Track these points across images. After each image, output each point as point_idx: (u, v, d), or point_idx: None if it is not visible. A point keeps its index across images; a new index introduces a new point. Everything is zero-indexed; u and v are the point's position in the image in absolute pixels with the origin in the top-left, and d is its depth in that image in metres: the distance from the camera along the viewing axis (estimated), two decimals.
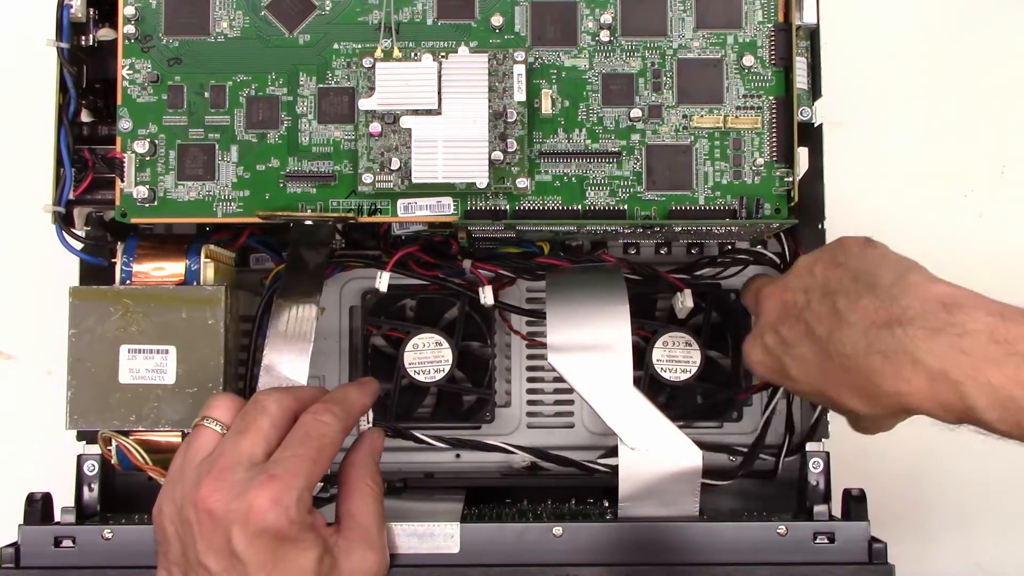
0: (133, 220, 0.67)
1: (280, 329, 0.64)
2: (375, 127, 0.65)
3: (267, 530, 0.54)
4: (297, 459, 0.56)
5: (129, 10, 0.67)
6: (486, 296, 0.71)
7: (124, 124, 0.67)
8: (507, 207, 0.67)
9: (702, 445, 0.64)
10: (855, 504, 0.65)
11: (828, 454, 0.71)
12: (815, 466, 0.70)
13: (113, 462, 0.67)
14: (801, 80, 0.67)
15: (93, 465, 0.70)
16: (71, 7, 0.67)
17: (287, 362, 0.63)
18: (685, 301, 0.72)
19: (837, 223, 0.70)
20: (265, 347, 0.64)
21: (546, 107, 0.67)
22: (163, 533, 0.57)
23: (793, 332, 0.60)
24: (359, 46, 0.67)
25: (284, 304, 0.65)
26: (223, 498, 0.54)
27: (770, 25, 0.68)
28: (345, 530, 0.59)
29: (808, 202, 0.69)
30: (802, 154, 0.67)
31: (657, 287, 0.74)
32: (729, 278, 0.75)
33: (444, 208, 0.66)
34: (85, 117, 0.69)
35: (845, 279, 0.58)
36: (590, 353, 0.64)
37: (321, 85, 0.67)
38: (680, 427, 0.64)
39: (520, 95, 0.65)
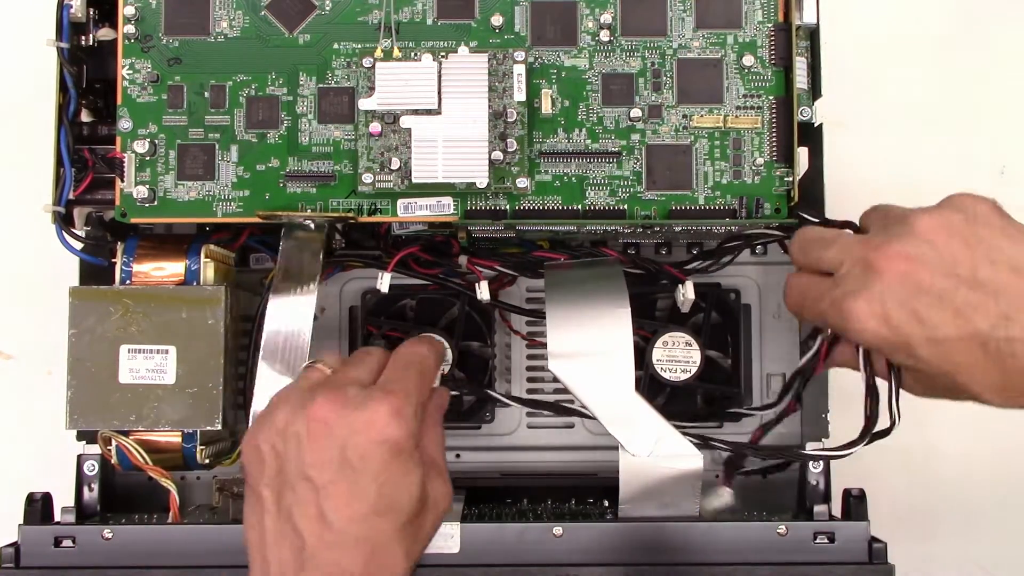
0: (133, 220, 0.67)
1: (275, 327, 0.64)
2: (375, 127, 0.65)
3: (387, 440, 0.55)
4: (406, 379, 0.58)
5: (129, 10, 0.67)
6: (482, 291, 0.70)
7: (124, 124, 0.67)
8: (507, 207, 0.67)
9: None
10: (855, 504, 0.65)
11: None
12: (815, 466, 0.70)
13: (113, 462, 0.67)
14: (801, 80, 0.67)
15: (93, 465, 0.70)
16: (71, 7, 0.67)
17: (285, 358, 0.63)
18: (687, 293, 0.71)
19: None
20: (261, 347, 0.64)
21: (546, 107, 0.67)
22: (257, 454, 0.56)
23: (936, 314, 0.55)
24: (359, 46, 0.67)
25: (279, 295, 0.65)
26: (339, 409, 0.55)
27: (770, 25, 0.68)
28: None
29: (808, 202, 0.69)
30: (802, 154, 0.67)
31: (658, 281, 0.73)
32: (730, 278, 0.75)
33: (444, 208, 0.66)
34: (85, 117, 0.69)
35: (1000, 268, 0.54)
36: (591, 360, 0.64)
37: (321, 85, 0.67)
38: (680, 427, 0.64)
39: (520, 95, 0.65)
